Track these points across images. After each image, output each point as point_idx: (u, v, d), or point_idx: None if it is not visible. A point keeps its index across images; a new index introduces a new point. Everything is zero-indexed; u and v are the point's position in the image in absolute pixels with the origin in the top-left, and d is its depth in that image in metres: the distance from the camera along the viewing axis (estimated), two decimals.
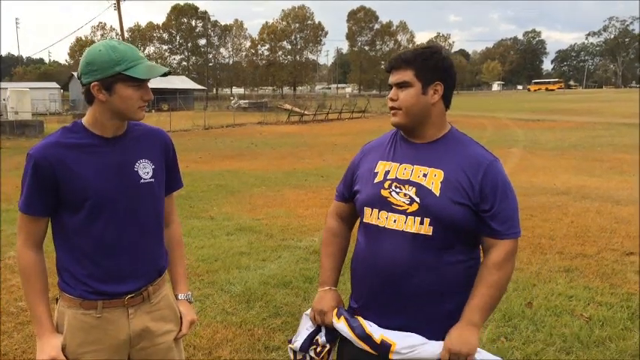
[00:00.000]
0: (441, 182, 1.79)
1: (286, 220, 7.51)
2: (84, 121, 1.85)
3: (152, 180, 1.92)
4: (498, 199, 1.78)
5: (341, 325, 1.88)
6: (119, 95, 1.76)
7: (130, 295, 1.89)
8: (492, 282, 1.78)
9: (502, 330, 3.91)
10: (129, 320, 1.89)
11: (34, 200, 1.81)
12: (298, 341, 1.98)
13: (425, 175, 1.81)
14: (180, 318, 2.07)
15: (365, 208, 1.91)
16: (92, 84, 1.75)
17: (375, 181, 1.89)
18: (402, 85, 1.84)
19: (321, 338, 1.95)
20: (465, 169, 1.79)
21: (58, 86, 57.04)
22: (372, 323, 1.85)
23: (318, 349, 1.94)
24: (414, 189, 1.81)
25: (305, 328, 2.00)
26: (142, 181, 1.89)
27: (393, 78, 1.86)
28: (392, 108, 1.87)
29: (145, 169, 1.90)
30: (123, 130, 1.88)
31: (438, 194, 1.78)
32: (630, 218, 7.22)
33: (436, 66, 1.83)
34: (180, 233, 2.19)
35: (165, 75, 1.83)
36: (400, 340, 1.77)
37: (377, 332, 1.82)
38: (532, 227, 6.78)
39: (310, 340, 1.96)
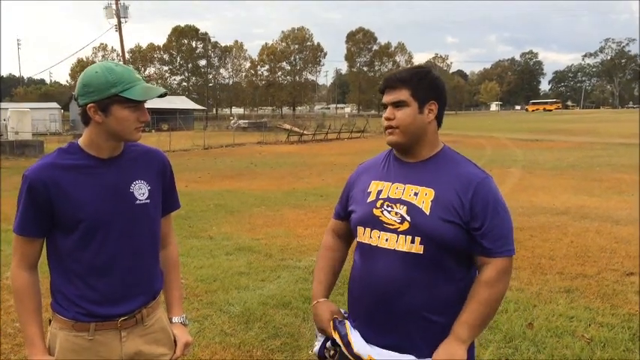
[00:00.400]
0: (431, 201, 1.79)
1: (285, 239, 7.49)
2: (80, 142, 1.85)
3: (148, 201, 1.91)
4: (489, 217, 1.77)
5: (337, 339, 1.90)
6: (115, 117, 1.77)
7: (123, 318, 1.87)
8: (483, 299, 1.77)
9: (503, 351, 3.87)
10: (121, 343, 1.87)
11: (29, 221, 1.80)
12: (315, 346, 2.04)
13: (416, 194, 1.82)
14: (175, 341, 2.04)
15: (358, 227, 1.93)
16: (88, 105, 1.76)
17: (367, 201, 1.91)
18: (398, 105, 1.85)
19: (329, 344, 1.99)
20: (456, 188, 1.79)
21: (58, 106, 57.28)
22: (359, 341, 1.85)
23: (332, 352, 1.99)
24: (405, 208, 1.82)
25: (318, 337, 2.05)
26: (138, 202, 1.88)
27: (389, 97, 1.87)
28: (388, 127, 1.89)
29: (140, 190, 1.89)
30: (119, 151, 1.88)
31: (428, 213, 1.78)
32: (630, 238, 7.21)
33: (431, 85, 1.86)
34: (176, 255, 2.17)
35: (161, 96, 1.84)
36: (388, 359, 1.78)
37: (365, 352, 1.82)
38: (532, 247, 6.77)
39: (323, 347, 2.01)
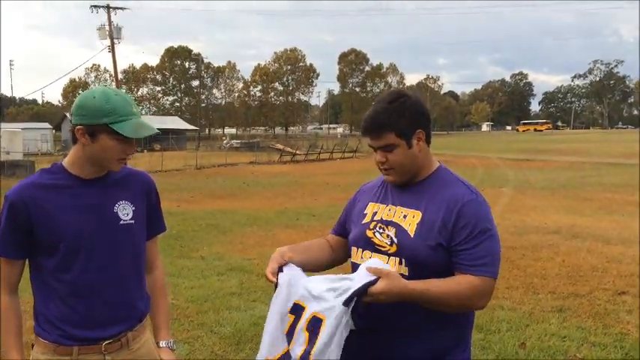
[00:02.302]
0: (417, 224, 1.79)
1: None
2: (65, 161, 1.84)
3: (132, 222, 1.89)
4: (470, 239, 1.72)
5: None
6: (101, 144, 1.76)
7: (107, 342, 1.83)
8: (449, 286, 1.69)
9: None
10: None
11: (9, 242, 1.78)
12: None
13: (405, 217, 1.83)
14: None
15: (352, 247, 1.94)
16: (77, 127, 1.76)
17: (362, 222, 1.92)
18: (387, 148, 1.82)
19: None
20: (442, 210, 1.77)
21: (50, 127, 57.17)
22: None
23: None
24: (394, 230, 1.82)
25: None
26: (122, 222, 1.86)
27: (375, 143, 1.84)
28: (383, 168, 1.88)
29: (124, 211, 1.87)
30: (104, 172, 1.87)
31: (412, 235, 1.78)
32: (621, 257, 7.24)
33: (411, 116, 1.81)
34: (163, 278, 2.15)
35: (152, 135, 1.84)
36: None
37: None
38: (524, 266, 6.77)
39: None
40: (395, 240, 1.81)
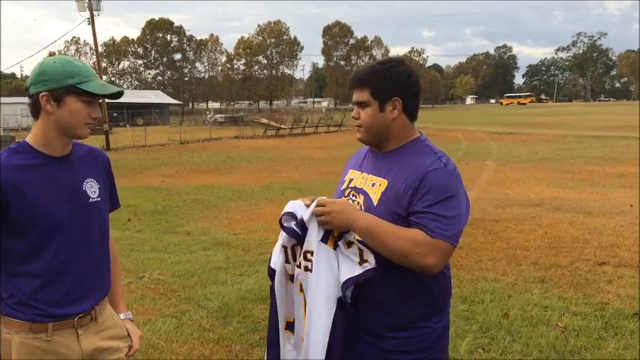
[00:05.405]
0: (382, 192, 1.82)
1: (264, 234, 7.47)
2: (29, 139, 1.81)
3: (99, 199, 1.90)
4: (429, 203, 1.70)
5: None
6: (68, 108, 1.74)
7: (79, 316, 1.85)
8: (396, 232, 1.71)
9: (480, 341, 3.93)
10: (79, 341, 1.85)
11: None
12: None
13: (373, 185, 1.87)
14: (129, 335, 2.04)
15: None
16: (41, 94, 1.73)
17: (341, 188, 2.01)
18: (361, 104, 1.88)
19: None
20: (406, 179, 1.77)
21: (30, 101, 56.07)
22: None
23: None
24: (362, 197, 1.88)
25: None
26: (91, 200, 1.87)
27: (354, 97, 1.90)
28: (356, 125, 1.93)
29: (92, 189, 1.88)
30: (69, 149, 1.86)
31: (375, 204, 1.81)
32: (602, 229, 7.36)
33: (392, 81, 1.83)
34: (116, 251, 2.15)
35: (117, 95, 1.83)
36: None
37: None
38: (507, 238, 6.87)
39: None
40: (362, 208, 1.85)
